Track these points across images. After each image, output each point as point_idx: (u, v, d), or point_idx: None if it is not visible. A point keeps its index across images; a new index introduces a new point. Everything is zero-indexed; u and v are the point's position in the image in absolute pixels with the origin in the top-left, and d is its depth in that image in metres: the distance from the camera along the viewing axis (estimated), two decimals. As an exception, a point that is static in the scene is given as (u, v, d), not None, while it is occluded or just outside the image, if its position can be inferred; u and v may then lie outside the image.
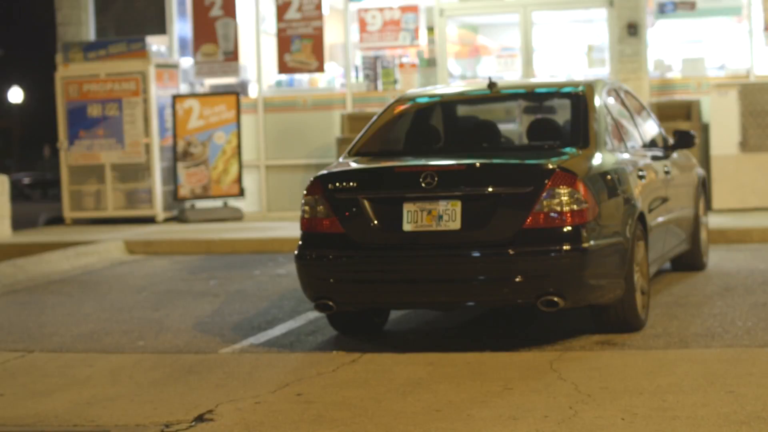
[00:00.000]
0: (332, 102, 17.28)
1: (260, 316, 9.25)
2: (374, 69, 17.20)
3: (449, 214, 7.45)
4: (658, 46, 16.68)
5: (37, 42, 44.91)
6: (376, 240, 7.59)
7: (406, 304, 8.02)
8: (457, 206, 7.45)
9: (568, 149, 7.95)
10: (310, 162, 17.12)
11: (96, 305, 10.19)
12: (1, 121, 54.92)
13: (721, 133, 15.24)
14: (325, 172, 7.90)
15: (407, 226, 7.51)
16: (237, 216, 16.99)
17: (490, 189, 7.44)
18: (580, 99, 8.34)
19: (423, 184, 7.49)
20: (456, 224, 7.44)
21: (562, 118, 9.03)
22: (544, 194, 7.29)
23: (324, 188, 7.72)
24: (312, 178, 7.87)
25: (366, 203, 7.62)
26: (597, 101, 8.36)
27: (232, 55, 17.33)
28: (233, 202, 17.27)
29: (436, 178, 7.48)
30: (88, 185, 17.25)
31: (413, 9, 17.06)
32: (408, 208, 7.51)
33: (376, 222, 7.62)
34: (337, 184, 7.74)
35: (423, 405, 6.17)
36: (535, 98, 9.93)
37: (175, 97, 17.07)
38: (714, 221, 13.30)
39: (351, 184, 7.74)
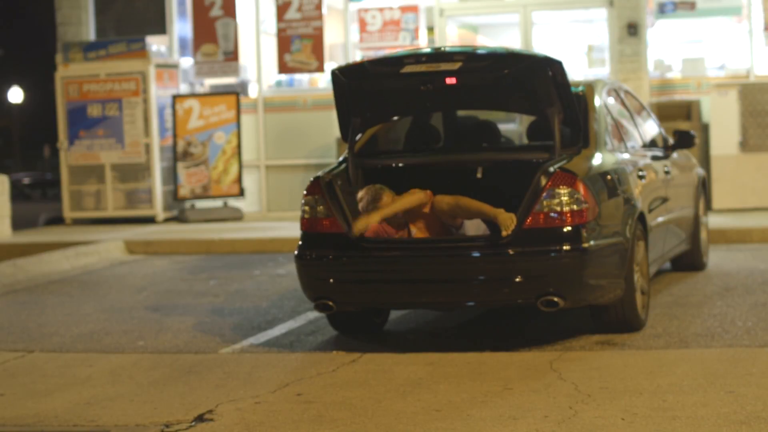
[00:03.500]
0: (332, 102, 17.13)
1: (260, 316, 9.25)
2: (374, 69, 17.19)
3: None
4: (658, 46, 16.68)
5: (37, 42, 44.91)
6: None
7: (406, 304, 8.02)
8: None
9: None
10: (310, 162, 17.12)
11: (96, 305, 10.19)
12: (1, 121, 54.88)
13: (721, 133, 15.24)
14: (325, 171, 7.91)
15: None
16: (237, 216, 16.99)
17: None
18: (580, 99, 8.33)
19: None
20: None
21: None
22: (544, 194, 7.29)
23: (324, 188, 7.72)
24: (312, 178, 7.87)
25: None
26: (597, 101, 8.36)
27: (232, 55, 17.33)
28: (233, 202, 17.27)
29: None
30: (88, 185, 17.25)
31: (413, 9, 17.06)
32: None
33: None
34: (338, 184, 7.76)
35: (423, 405, 6.17)
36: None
37: (175, 97, 17.07)
38: (714, 221, 13.30)
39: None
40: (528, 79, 7.68)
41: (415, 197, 7.36)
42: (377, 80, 7.85)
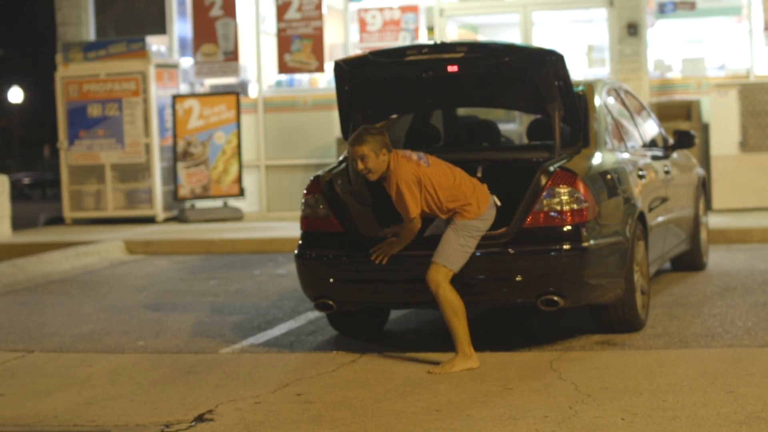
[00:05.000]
0: (332, 102, 17.23)
1: (260, 316, 9.25)
2: (374, 69, 17.18)
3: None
4: (658, 46, 16.68)
5: (37, 42, 44.90)
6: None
7: (406, 304, 8.02)
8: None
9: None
10: (310, 162, 17.11)
11: (96, 305, 10.19)
12: (1, 121, 54.89)
13: (721, 133, 15.24)
14: (325, 171, 7.91)
15: None
16: (237, 216, 16.99)
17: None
18: (580, 99, 8.33)
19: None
20: None
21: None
22: (545, 193, 7.29)
23: (324, 187, 7.72)
24: (312, 178, 7.87)
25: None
26: (597, 101, 8.36)
27: (232, 55, 17.33)
28: (233, 202, 17.27)
29: None
30: (88, 185, 17.25)
31: (413, 9, 17.06)
32: None
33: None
34: (338, 183, 7.75)
35: (423, 405, 6.17)
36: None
37: (175, 97, 17.07)
38: (714, 221, 13.30)
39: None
40: (529, 72, 7.69)
41: (412, 232, 7.26)
42: (380, 71, 7.86)
